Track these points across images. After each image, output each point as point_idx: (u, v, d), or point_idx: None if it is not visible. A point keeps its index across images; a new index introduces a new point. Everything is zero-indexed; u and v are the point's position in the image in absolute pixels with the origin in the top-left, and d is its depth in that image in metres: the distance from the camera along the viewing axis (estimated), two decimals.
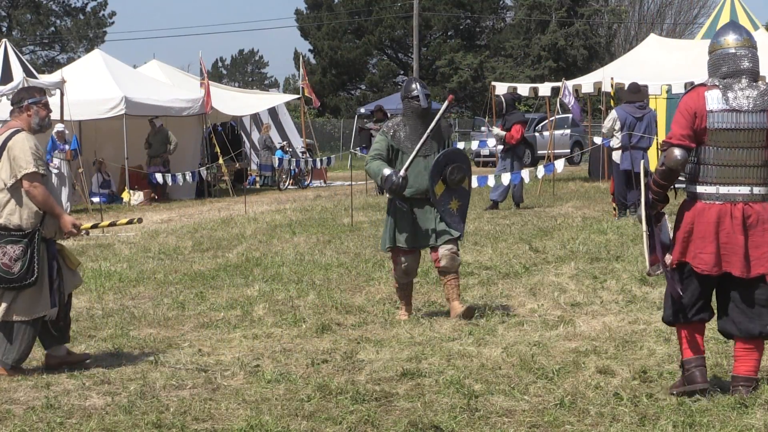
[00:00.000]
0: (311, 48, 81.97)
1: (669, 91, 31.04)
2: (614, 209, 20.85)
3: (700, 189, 8.02)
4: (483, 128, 51.59)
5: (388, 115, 31.39)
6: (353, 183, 26.67)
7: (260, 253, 16.72)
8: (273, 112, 40.23)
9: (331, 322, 11.16)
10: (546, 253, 15.53)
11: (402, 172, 11.16)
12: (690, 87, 8.36)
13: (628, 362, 9.07)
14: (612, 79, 28.95)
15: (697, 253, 7.97)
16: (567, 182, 31.79)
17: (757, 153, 7.97)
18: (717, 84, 8.01)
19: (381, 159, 11.39)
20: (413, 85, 11.55)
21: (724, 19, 38.16)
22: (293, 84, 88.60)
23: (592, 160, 35.29)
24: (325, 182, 38.55)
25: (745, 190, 7.95)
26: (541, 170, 23.80)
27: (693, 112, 7.96)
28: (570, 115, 45.22)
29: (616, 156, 20.64)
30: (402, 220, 11.39)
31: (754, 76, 8.05)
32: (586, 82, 32.23)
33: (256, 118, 39.41)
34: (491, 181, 22.06)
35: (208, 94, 31.76)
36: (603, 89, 31.54)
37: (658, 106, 32.98)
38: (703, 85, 8.10)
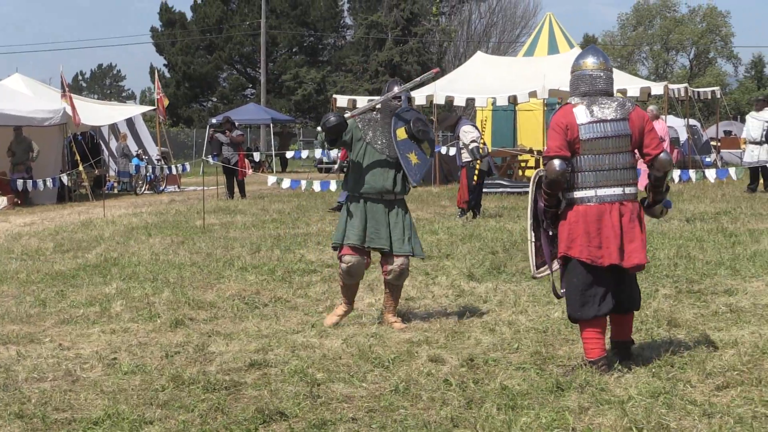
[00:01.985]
0: (166, 63, 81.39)
1: (494, 103, 31.50)
2: (464, 211, 21.10)
3: (579, 194, 8.29)
4: None
5: (236, 124, 31.29)
6: (205, 188, 26.46)
7: (118, 254, 16.51)
8: (130, 122, 39.79)
9: (184, 317, 11.06)
10: None
11: (347, 114, 10.61)
12: (560, 105, 8.61)
13: (457, 351, 9.15)
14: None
15: (585, 248, 8.23)
16: None
17: (624, 157, 8.31)
18: (581, 101, 8.34)
19: None
20: (396, 87, 10.57)
21: (544, 38, 38.91)
22: (149, 96, 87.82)
23: None
24: (179, 187, 38.25)
25: (618, 191, 8.27)
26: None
27: (565, 126, 8.26)
28: None
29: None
30: (355, 218, 10.45)
31: (608, 95, 8.42)
32: (419, 95, 32.48)
33: (114, 127, 38.90)
34: (333, 186, 22.07)
35: (74, 108, 31.32)
36: (434, 102, 31.85)
37: (486, 116, 33.44)
38: (568, 103, 8.42)
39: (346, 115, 10.49)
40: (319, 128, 10.71)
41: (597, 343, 8.30)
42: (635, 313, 8.70)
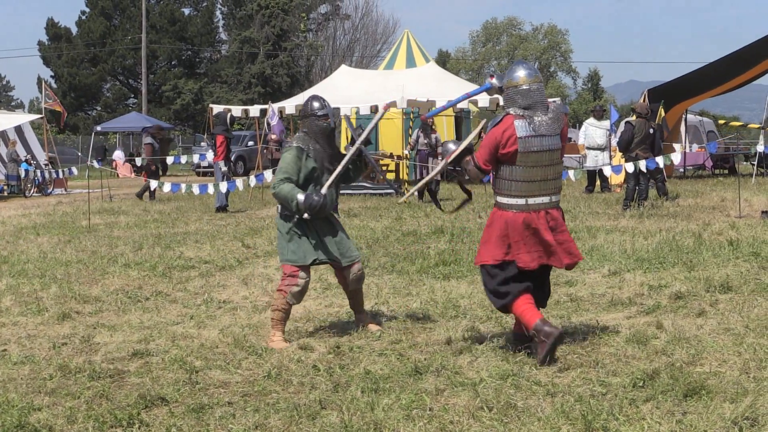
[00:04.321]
0: (53, 74, 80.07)
1: (358, 112, 31.52)
2: None
3: (511, 201, 8.13)
4: (203, 143, 51.34)
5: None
6: (90, 191, 26.06)
7: (8, 252, 16.19)
8: (19, 129, 39.06)
9: (71, 310, 10.89)
10: (256, 248, 15.53)
11: (324, 190, 9.08)
12: (501, 116, 8.19)
13: (325, 339, 9.14)
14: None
15: (517, 254, 8.11)
16: None
17: (555, 169, 8.17)
18: (522, 114, 8.05)
19: (291, 182, 9.05)
20: (317, 104, 9.32)
21: (402, 53, 39.06)
22: (37, 105, 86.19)
23: None
24: (65, 190, 37.63)
25: (546, 199, 8.14)
26: (253, 180, 23.72)
27: (499, 141, 8.02)
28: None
29: None
30: (310, 237, 9.21)
31: (544, 106, 8.15)
32: (289, 105, 32.36)
33: (3, 134, 38.17)
34: (210, 190, 21.89)
35: None
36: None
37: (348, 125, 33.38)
38: (509, 114, 8.10)
39: (323, 191, 9.08)
40: (306, 214, 9.13)
41: (529, 312, 8.07)
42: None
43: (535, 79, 8.19)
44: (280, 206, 9.33)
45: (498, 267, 8.23)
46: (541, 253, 8.16)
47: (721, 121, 30.33)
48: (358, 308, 9.79)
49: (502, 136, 8.02)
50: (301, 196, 8.95)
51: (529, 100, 8.10)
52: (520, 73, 8.19)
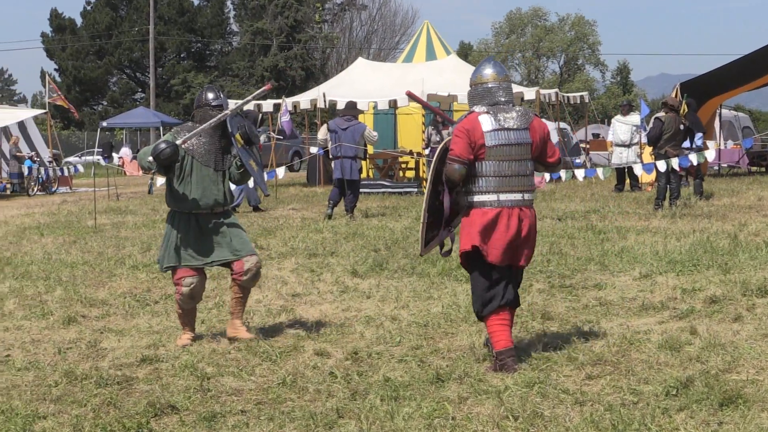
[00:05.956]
0: (57, 67, 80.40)
1: (375, 107, 31.54)
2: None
3: (482, 198, 8.18)
4: None
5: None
6: (96, 189, 26.15)
7: (11, 253, 16.22)
8: (22, 125, 39.16)
9: (76, 314, 10.91)
10: (270, 249, 15.52)
11: (179, 141, 9.25)
12: (466, 113, 8.39)
13: (342, 345, 9.15)
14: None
15: (489, 249, 8.14)
16: (288, 187, 31.88)
17: (525, 164, 8.27)
18: (486, 110, 8.23)
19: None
20: (212, 94, 9.60)
21: (422, 45, 39.02)
22: (41, 100, 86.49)
23: (309, 168, 35.51)
24: (70, 188, 37.75)
25: (518, 196, 8.20)
26: (265, 177, 23.78)
27: (468, 132, 8.13)
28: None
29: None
30: (188, 234, 9.38)
31: (510, 105, 8.34)
32: (304, 99, 32.45)
33: (5, 130, 38.30)
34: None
35: None
36: (318, 105, 31.79)
37: (366, 120, 33.42)
38: (473, 111, 8.28)
39: (177, 142, 9.28)
40: (150, 158, 9.34)
41: (501, 335, 8.17)
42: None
43: (504, 78, 8.44)
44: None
45: (486, 269, 8.25)
46: (510, 251, 8.20)
47: None
48: (237, 312, 9.75)
49: (471, 126, 8.17)
50: (151, 147, 9.25)
51: (496, 99, 8.33)
52: (488, 71, 8.45)
